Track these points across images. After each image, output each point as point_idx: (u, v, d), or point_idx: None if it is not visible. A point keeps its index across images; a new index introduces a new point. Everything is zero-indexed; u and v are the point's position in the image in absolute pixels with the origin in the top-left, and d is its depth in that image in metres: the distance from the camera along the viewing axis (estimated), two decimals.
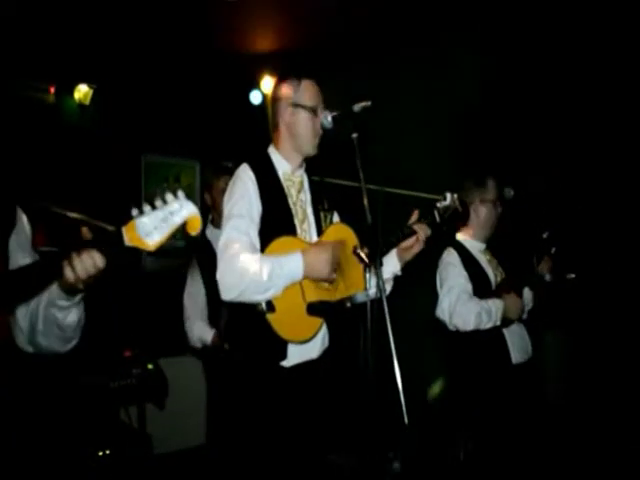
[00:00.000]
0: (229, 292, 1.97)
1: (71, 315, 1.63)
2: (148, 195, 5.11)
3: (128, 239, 1.40)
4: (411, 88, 4.36)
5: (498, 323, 2.75)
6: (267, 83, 5.33)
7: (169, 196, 1.41)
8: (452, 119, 4.16)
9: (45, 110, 4.59)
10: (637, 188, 3.29)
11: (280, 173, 2.21)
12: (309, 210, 2.25)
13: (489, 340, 2.79)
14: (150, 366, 3.56)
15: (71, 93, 4.77)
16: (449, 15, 4.14)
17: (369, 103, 2.05)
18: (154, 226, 1.40)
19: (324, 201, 2.30)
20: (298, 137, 2.21)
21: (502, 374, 2.78)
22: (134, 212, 1.41)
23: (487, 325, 2.73)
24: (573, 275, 2.83)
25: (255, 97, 5.38)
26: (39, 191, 3.95)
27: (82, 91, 4.77)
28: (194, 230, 1.42)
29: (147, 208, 1.41)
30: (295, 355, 2.08)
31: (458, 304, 2.75)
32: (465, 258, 2.91)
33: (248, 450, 2.05)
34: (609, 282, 3.35)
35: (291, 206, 2.18)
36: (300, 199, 2.23)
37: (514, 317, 2.77)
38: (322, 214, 2.27)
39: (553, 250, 2.90)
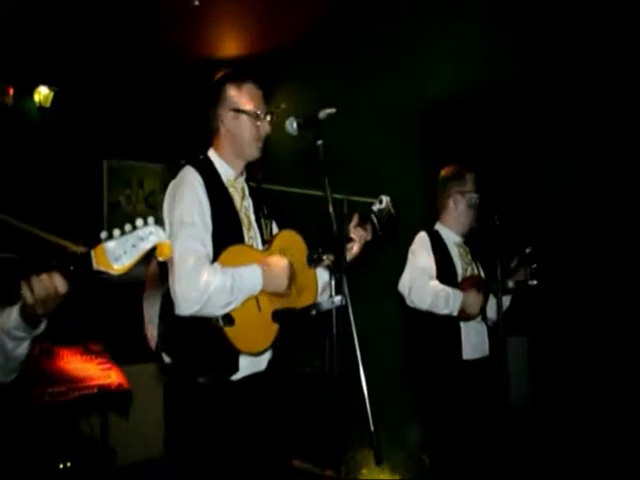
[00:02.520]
0: (190, 307, 1.90)
1: (22, 347, 1.58)
2: (111, 200, 5.04)
3: (96, 263, 1.39)
4: (375, 90, 4.40)
5: (455, 313, 2.79)
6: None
7: (139, 221, 1.40)
8: (417, 120, 4.21)
9: (4, 112, 4.47)
10: (604, 195, 3.35)
11: (224, 179, 2.15)
12: (252, 217, 2.21)
13: (443, 328, 2.83)
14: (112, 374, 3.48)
15: (31, 95, 4.67)
16: (412, 15, 4.19)
17: (334, 110, 2.05)
18: (123, 250, 1.39)
19: (264, 208, 2.28)
20: (240, 142, 2.15)
21: (450, 366, 2.82)
22: (103, 235, 1.40)
23: (443, 310, 2.77)
24: (535, 282, 2.87)
25: None
26: None
27: (42, 93, 4.67)
28: (163, 256, 1.42)
29: (116, 232, 1.40)
30: (245, 368, 2.05)
31: (418, 281, 2.79)
32: (437, 245, 2.94)
33: (206, 465, 2.00)
34: (572, 288, 3.42)
35: (237, 212, 2.13)
36: (244, 206, 2.18)
37: (472, 312, 2.81)
38: (263, 222, 2.24)
39: (534, 267, 2.91)
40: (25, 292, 1.41)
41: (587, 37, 3.34)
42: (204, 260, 1.94)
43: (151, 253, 1.42)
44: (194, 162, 2.11)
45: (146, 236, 1.40)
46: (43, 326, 1.56)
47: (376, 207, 2.35)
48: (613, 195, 3.27)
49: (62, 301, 1.45)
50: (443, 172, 3.07)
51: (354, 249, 2.25)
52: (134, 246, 1.39)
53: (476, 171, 3.04)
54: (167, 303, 1.99)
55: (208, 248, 1.99)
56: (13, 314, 1.51)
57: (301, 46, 4.91)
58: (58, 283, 1.41)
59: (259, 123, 2.15)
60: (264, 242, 2.20)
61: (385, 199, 2.36)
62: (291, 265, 2.06)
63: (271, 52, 5.00)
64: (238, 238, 2.10)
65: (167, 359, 2.07)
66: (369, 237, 2.28)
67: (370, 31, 4.47)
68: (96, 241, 1.39)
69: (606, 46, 3.28)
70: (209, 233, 2.01)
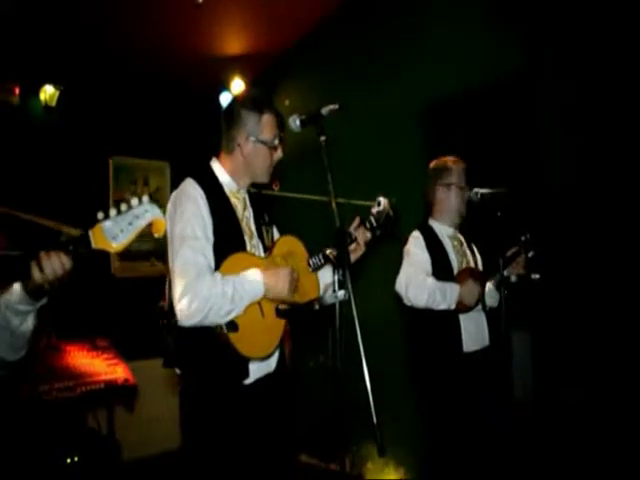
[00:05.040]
0: (192, 318, 1.91)
1: (27, 323, 1.62)
2: (117, 198, 5.07)
3: (95, 242, 1.45)
4: (378, 88, 4.41)
5: (452, 307, 2.81)
6: (237, 85, 5.33)
7: (134, 200, 1.46)
8: (418, 120, 4.22)
9: (9, 111, 4.51)
10: (606, 189, 3.36)
11: (226, 190, 2.18)
12: (253, 227, 2.24)
13: (442, 322, 2.84)
14: (119, 370, 3.52)
15: (37, 94, 4.70)
16: (415, 15, 4.21)
17: (337, 106, 2.07)
18: (120, 229, 1.45)
19: (264, 215, 2.32)
20: (255, 168, 2.20)
21: (452, 359, 2.83)
22: (100, 215, 1.45)
23: (440, 306, 2.79)
24: (538, 275, 2.88)
25: (225, 99, 5.36)
26: (3, 194, 3.89)
27: (48, 92, 4.69)
28: (158, 232, 1.49)
29: (113, 212, 1.45)
30: (256, 371, 2.08)
31: (414, 279, 2.81)
32: (430, 241, 2.96)
33: (220, 464, 2.02)
34: (575, 282, 3.43)
35: (239, 223, 2.16)
36: (245, 216, 2.21)
37: (470, 303, 2.83)
38: (264, 229, 2.27)
39: (531, 254, 2.94)
40: (34, 271, 1.46)
41: (590, 34, 3.34)
42: (205, 271, 1.95)
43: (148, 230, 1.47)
44: (195, 174, 2.13)
45: (142, 214, 1.46)
46: (46, 298, 1.61)
47: (375, 209, 2.40)
48: (617, 189, 3.28)
49: (67, 278, 1.50)
50: (430, 165, 3.10)
51: (357, 250, 2.31)
52: (130, 224, 1.45)
53: (469, 162, 3.06)
54: (173, 318, 2.00)
55: (209, 260, 2.00)
56: (15, 289, 1.56)
57: (303, 45, 4.93)
58: (64, 260, 1.47)
59: (274, 152, 2.22)
60: (265, 249, 2.23)
61: (383, 201, 2.41)
62: (293, 271, 2.08)
63: (273, 51, 5.02)
64: (240, 247, 2.12)
65: (178, 371, 2.10)
66: (369, 237, 2.34)
67: (373, 30, 4.48)
68: (93, 221, 1.45)
69: (608, 42, 3.29)
70: (210, 245, 2.02)
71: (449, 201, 3.02)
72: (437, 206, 3.06)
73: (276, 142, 2.21)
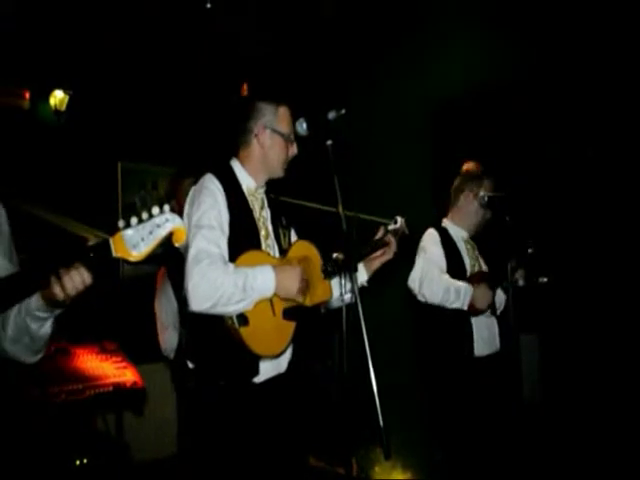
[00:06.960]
0: (202, 303, 1.93)
1: (45, 327, 1.63)
2: (126, 202, 5.09)
3: (115, 250, 1.44)
4: (386, 91, 4.42)
5: (465, 307, 2.80)
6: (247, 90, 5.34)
7: (155, 209, 1.46)
8: (427, 122, 4.22)
9: (20, 116, 4.55)
10: (613, 192, 3.35)
11: (244, 188, 2.21)
12: (270, 227, 2.25)
13: (455, 325, 2.84)
14: (127, 373, 3.53)
15: (47, 99, 4.74)
16: (423, 16, 4.22)
17: (344, 111, 2.08)
18: (141, 238, 1.44)
19: (282, 219, 2.33)
20: (271, 160, 2.22)
21: (463, 362, 2.83)
22: (121, 224, 1.44)
23: (454, 304, 2.78)
24: (546, 279, 2.88)
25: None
26: (13, 197, 3.92)
27: (58, 97, 4.74)
28: (179, 241, 1.48)
29: (134, 220, 1.44)
30: (267, 370, 2.09)
31: (429, 275, 2.80)
32: (445, 241, 2.96)
33: (227, 465, 2.02)
34: (582, 285, 3.42)
35: (255, 221, 2.18)
36: (262, 215, 2.23)
37: (481, 307, 2.82)
38: (281, 231, 2.28)
39: (530, 250, 2.93)
40: (56, 289, 1.45)
41: (589, 38, 3.34)
42: (217, 260, 1.97)
43: (168, 239, 1.47)
44: (215, 170, 2.16)
45: (162, 223, 1.45)
46: (62, 309, 1.61)
47: (391, 227, 2.41)
48: (623, 192, 3.27)
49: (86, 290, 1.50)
50: (464, 168, 3.08)
51: (386, 254, 2.35)
52: (151, 233, 1.44)
53: (491, 174, 3.06)
54: (186, 310, 2.02)
55: (223, 251, 2.02)
56: (35, 297, 1.55)
57: (310, 47, 4.95)
58: (85, 276, 1.47)
59: (290, 146, 2.24)
60: (281, 251, 2.24)
61: (400, 220, 2.43)
62: (304, 271, 2.09)
63: (283, 52, 5.04)
64: (255, 245, 2.14)
65: (191, 365, 2.11)
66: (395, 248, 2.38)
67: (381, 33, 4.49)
68: (114, 229, 1.44)
69: (606, 45, 3.29)
70: (225, 237, 2.05)
71: (473, 209, 3.01)
72: (458, 209, 3.05)
73: (292, 137, 2.23)
